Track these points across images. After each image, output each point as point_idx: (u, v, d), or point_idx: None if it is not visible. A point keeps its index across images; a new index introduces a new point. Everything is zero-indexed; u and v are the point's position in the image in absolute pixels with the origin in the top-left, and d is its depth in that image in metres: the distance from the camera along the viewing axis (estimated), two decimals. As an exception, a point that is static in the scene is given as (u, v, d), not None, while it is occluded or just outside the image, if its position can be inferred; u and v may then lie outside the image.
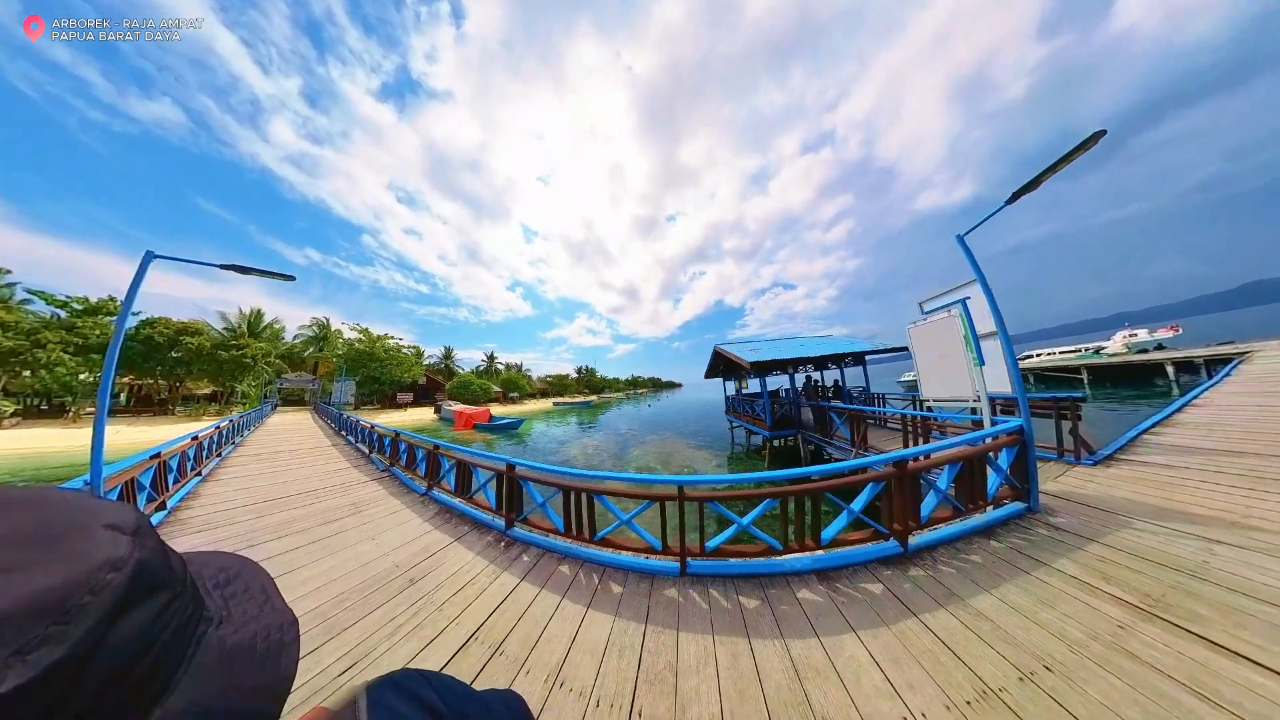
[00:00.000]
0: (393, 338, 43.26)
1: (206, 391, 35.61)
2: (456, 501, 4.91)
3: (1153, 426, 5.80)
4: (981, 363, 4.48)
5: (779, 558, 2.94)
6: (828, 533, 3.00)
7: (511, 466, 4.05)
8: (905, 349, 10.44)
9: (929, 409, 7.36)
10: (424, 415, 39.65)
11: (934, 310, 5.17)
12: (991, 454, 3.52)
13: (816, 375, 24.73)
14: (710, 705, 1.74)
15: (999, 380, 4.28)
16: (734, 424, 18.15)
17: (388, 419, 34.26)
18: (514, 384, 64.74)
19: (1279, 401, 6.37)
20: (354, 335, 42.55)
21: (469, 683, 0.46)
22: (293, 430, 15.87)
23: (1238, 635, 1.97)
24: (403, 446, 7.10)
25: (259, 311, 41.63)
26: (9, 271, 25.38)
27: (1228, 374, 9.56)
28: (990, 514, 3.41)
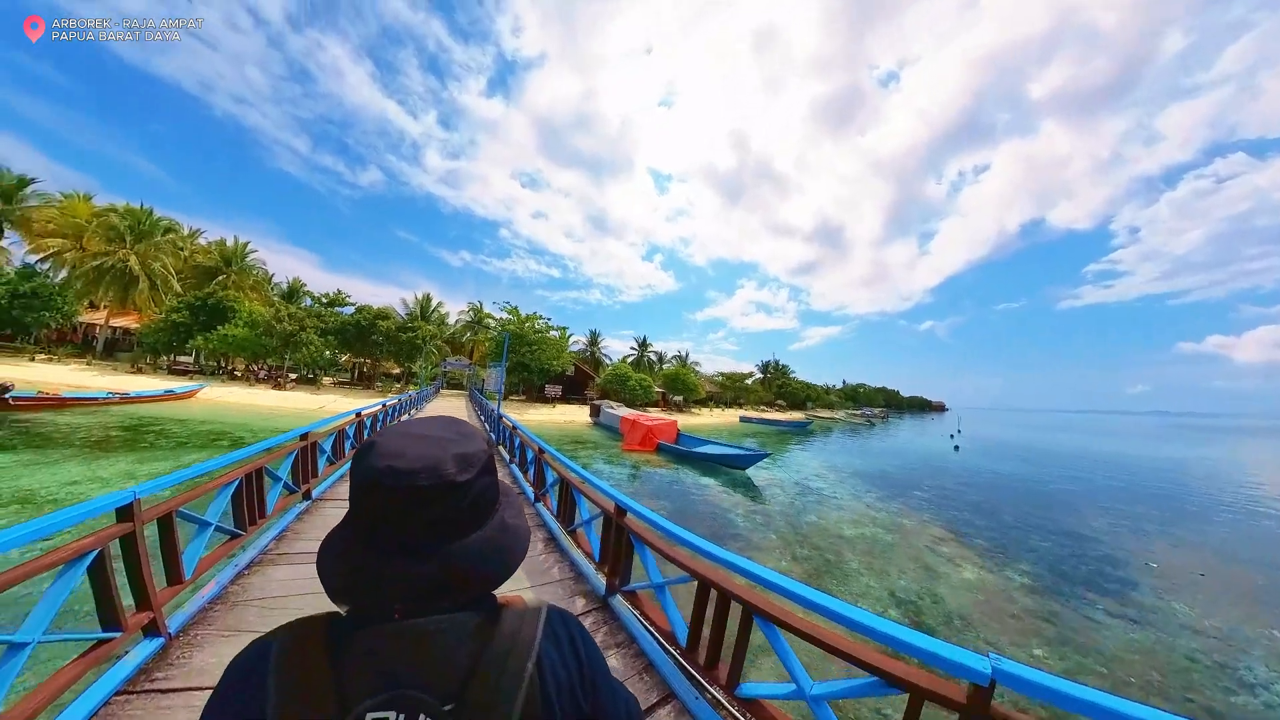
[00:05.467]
0: (541, 317, 37.77)
1: (397, 371, 42.16)
2: (557, 527, 4.07)
3: None
4: None
5: None
6: None
7: (622, 510, 2.94)
8: None
9: None
10: (576, 416, 30.71)
11: None
12: None
13: None
14: None
15: None
16: None
17: (535, 415, 28.67)
18: (681, 383, 44.43)
19: None
20: (504, 315, 38.68)
21: None
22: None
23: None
24: (517, 441, 6.77)
25: (428, 295, 44.55)
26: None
27: None
28: None
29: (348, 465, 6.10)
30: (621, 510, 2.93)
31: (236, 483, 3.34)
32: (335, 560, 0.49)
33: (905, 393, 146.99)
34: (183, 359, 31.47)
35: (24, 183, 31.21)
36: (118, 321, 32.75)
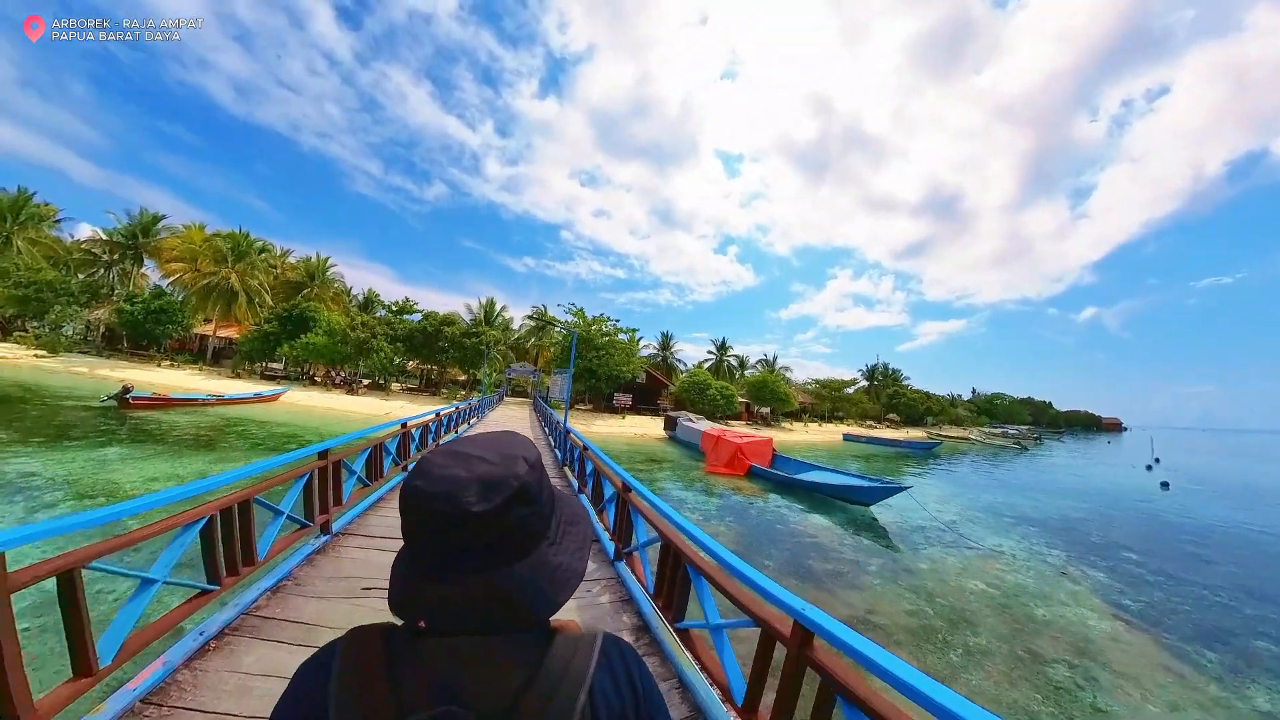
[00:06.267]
0: (608, 319, 34.66)
1: (463, 377, 42.10)
2: (655, 616, 2.66)
3: None
4: None
5: None
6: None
7: (807, 631, 1.44)
8: None
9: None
10: (648, 429, 27.33)
11: None
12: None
13: None
14: None
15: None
16: None
17: (602, 428, 25.83)
18: (770, 392, 38.10)
19: None
20: (568, 318, 35.66)
21: None
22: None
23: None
24: (588, 468, 5.33)
25: (491, 300, 43.73)
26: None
27: None
28: None
29: (382, 490, 4.97)
30: (805, 631, 1.44)
31: (204, 520, 2.35)
32: (393, 574, 0.51)
33: (1059, 405, 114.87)
34: (274, 365, 34.38)
35: (157, 219, 37.35)
36: (223, 332, 36.53)
